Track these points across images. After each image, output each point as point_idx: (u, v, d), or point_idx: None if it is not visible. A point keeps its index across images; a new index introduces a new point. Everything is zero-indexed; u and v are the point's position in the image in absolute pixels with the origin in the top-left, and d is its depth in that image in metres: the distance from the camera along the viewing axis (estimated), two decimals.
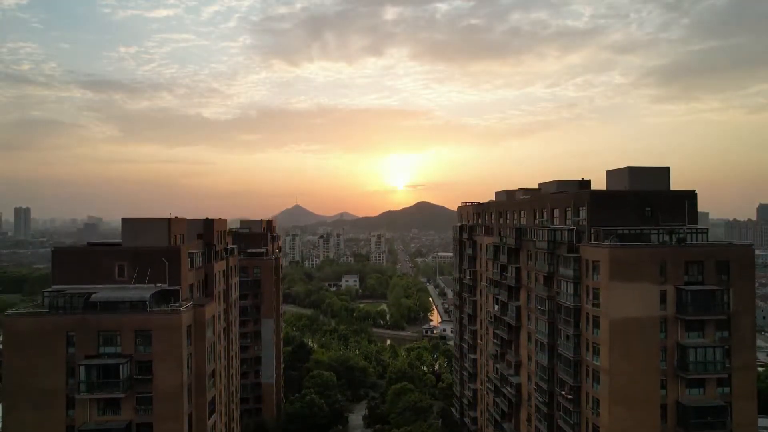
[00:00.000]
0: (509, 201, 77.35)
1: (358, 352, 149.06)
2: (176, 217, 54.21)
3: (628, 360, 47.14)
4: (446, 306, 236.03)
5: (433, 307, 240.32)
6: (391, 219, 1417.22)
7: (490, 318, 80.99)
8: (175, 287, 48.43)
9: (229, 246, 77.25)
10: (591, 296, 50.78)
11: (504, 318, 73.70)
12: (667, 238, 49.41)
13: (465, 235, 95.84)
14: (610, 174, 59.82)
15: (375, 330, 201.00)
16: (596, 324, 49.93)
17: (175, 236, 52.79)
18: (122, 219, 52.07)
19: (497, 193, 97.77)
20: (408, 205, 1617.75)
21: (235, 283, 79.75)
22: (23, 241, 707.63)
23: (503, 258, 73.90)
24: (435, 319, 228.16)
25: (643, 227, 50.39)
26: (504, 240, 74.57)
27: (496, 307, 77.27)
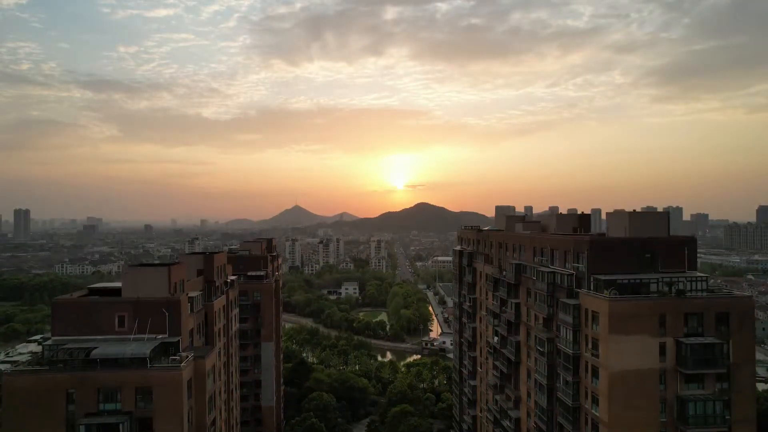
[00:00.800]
0: (509, 233, 77.27)
1: (357, 368, 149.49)
2: (176, 264, 54.22)
3: (627, 412, 47.23)
4: (446, 316, 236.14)
5: (433, 316, 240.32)
6: (391, 220, 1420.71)
7: (490, 348, 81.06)
8: (176, 338, 48.44)
9: (229, 278, 77.29)
10: (590, 345, 50.84)
11: (503, 351, 73.77)
12: (666, 288, 49.41)
13: (465, 261, 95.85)
14: (611, 216, 59.94)
15: (375, 342, 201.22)
16: (595, 374, 50.00)
17: (175, 283, 52.79)
18: (122, 267, 52.20)
19: (497, 216, 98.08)
20: (408, 206, 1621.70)
21: (235, 315, 79.82)
22: (23, 244, 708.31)
23: (503, 291, 73.97)
24: (435, 329, 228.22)
25: (642, 276, 50.37)
26: (504, 273, 74.64)
27: (496, 338, 77.33)
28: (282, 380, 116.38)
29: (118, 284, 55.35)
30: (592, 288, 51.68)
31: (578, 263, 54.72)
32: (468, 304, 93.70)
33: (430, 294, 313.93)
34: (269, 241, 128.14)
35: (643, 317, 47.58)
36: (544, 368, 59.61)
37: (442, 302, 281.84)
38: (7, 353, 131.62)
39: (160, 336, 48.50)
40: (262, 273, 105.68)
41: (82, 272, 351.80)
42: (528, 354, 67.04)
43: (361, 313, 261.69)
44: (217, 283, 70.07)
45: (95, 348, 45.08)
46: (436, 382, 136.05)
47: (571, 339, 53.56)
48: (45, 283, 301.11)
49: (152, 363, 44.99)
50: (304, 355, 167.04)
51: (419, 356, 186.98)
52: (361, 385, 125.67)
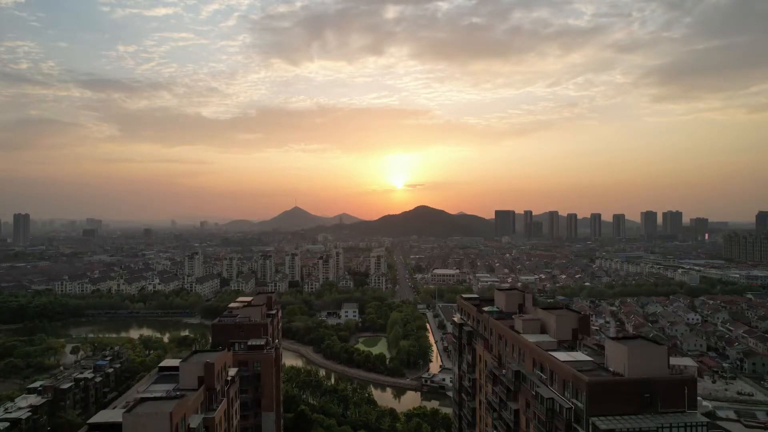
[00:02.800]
0: (509, 331, 77.11)
1: (357, 416, 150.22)
2: (178, 405, 54.26)
3: None
4: (445, 344, 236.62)
5: (433, 346, 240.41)
6: (391, 223, 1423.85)
7: None
8: None
9: (230, 375, 77.48)
10: None
11: None
12: None
13: (465, 339, 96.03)
14: (610, 344, 60.08)
15: (374, 376, 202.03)
16: None
17: (176, 423, 52.93)
18: (123, 414, 51.98)
19: (497, 295, 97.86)
20: (407, 209, 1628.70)
21: (236, 410, 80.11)
22: (22, 253, 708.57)
23: (501, 390, 74.16)
24: (435, 360, 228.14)
25: (642, 425, 50.51)
26: (503, 371, 74.83)
27: None
28: None
29: (118, 416, 55.42)
30: (590, 430, 51.87)
31: (577, 400, 54.92)
32: (468, 383, 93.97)
33: (429, 315, 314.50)
34: (269, 297, 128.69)
35: None
36: None
37: (441, 326, 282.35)
38: (6, 408, 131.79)
39: None
40: (262, 342, 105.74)
41: (82, 291, 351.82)
42: None
43: (361, 339, 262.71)
44: (218, 388, 70.30)
45: None
46: None
47: None
48: (45, 305, 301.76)
49: None
50: (304, 397, 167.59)
51: (419, 393, 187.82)
52: None
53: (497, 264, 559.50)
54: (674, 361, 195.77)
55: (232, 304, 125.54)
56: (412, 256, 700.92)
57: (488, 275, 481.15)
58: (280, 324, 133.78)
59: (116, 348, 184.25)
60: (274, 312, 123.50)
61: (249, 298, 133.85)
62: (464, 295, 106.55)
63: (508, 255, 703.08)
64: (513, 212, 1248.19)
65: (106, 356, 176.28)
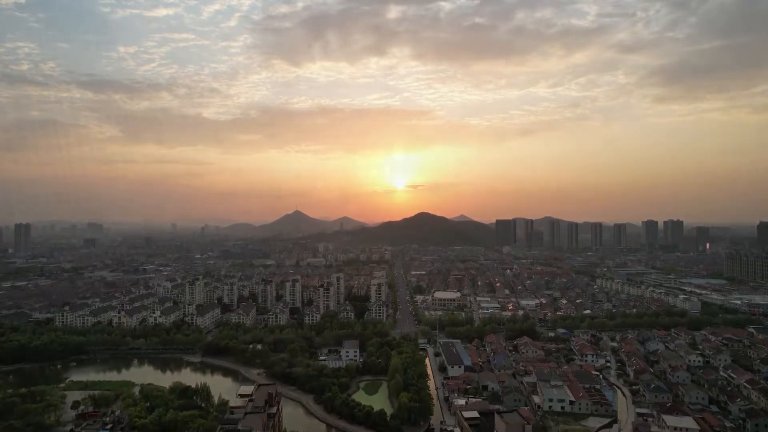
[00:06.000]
0: None
1: None
2: None
3: None
4: (446, 394, 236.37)
5: (433, 394, 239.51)
6: (392, 230, 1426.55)
7: None
8: None
9: None
10: None
11: None
12: None
13: None
14: None
15: None
16: None
17: None
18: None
19: (497, 418, 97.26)
20: (408, 215, 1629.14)
21: None
22: (23, 269, 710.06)
23: None
24: (435, 402, 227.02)
25: None
26: None
27: None
28: None
29: None
30: None
31: None
32: None
33: (430, 352, 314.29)
34: (270, 394, 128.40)
35: None
36: None
37: (442, 368, 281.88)
38: None
39: None
40: None
41: (83, 323, 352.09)
42: None
43: (361, 384, 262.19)
44: None
45: None
46: None
47: None
48: (45, 345, 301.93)
49: None
50: None
51: None
52: None
53: (498, 285, 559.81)
54: (675, 422, 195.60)
55: (234, 402, 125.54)
56: (413, 272, 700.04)
57: (489, 298, 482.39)
58: (282, 416, 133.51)
59: (117, 413, 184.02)
60: (275, 411, 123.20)
61: (250, 390, 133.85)
62: (465, 414, 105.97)
63: (509, 270, 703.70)
64: (514, 221, 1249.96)
65: (107, 424, 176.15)
